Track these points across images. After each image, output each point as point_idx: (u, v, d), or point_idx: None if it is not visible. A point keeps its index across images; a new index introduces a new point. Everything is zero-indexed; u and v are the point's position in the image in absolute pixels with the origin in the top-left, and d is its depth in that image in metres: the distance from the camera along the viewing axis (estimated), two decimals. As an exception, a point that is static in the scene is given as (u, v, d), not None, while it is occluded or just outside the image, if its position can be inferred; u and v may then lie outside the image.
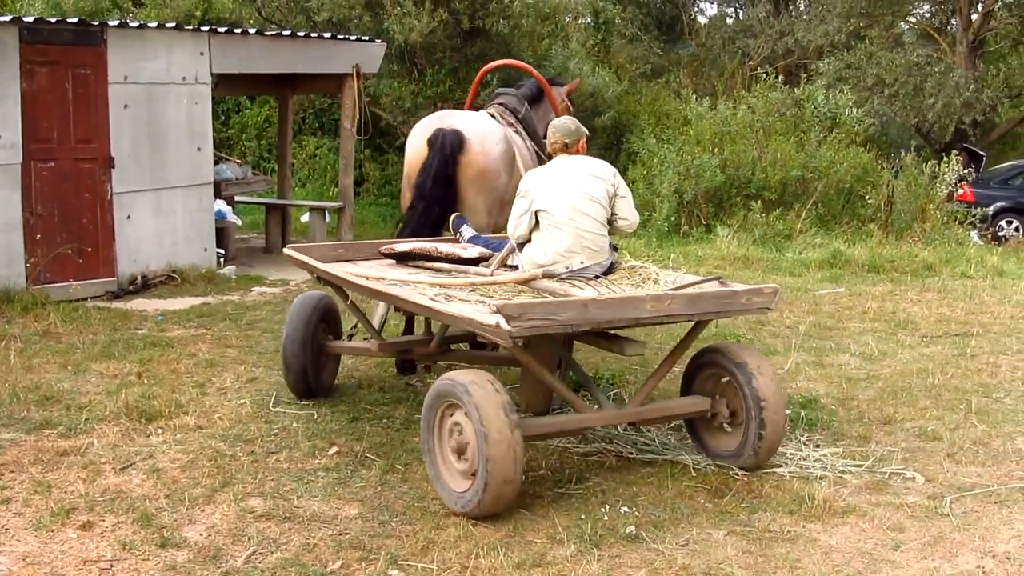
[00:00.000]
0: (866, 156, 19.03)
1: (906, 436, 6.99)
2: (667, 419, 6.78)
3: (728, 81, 27.99)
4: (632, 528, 5.37)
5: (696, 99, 20.74)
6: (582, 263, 6.74)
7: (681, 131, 19.38)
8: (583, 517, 5.52)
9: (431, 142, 8.29)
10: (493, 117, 9.02)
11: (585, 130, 7.23)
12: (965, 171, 20.86)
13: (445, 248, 7.49)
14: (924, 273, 13.20)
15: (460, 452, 5.65)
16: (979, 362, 8.94)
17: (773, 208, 16.51)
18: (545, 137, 7.63)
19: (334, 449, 6.52)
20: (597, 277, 6.79)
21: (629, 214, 6.97)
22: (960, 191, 20.24)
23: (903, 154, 20.08)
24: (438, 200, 8.18)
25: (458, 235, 7.90)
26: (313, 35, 14.14)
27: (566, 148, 7.00)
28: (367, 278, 6.93)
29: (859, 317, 10.67)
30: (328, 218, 14.65)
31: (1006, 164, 25.81)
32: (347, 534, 5.29)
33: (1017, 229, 22.56)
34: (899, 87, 25.77)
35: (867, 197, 17.12)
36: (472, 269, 7.20)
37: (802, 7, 33.31)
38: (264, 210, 15.17)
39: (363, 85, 14.65)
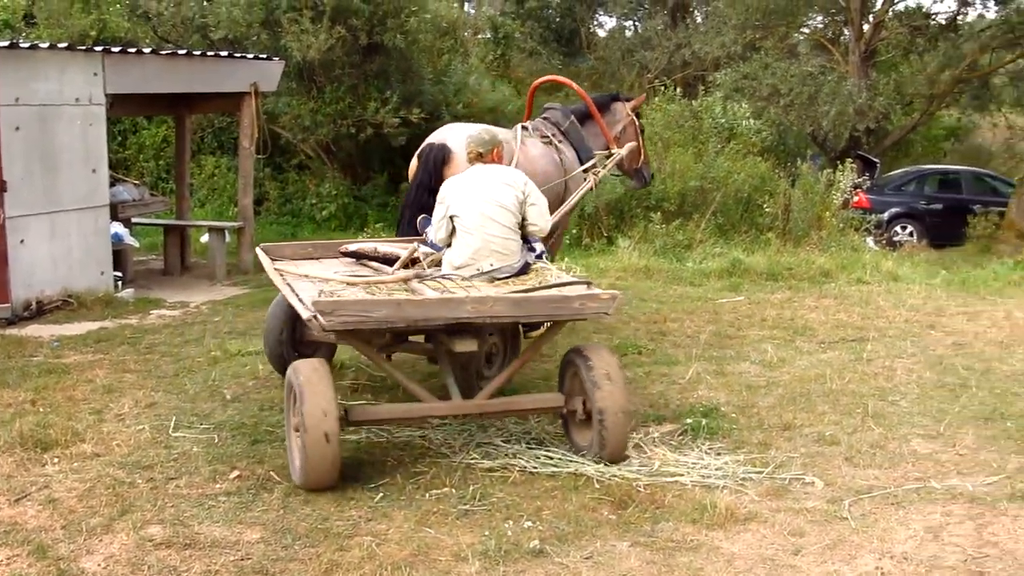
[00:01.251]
0: (763, 165, 19.29)
1: (805, 441, 7.10)
2: (516, 413, 7.24)
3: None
4: (536, 543, 5.39)
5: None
6: (492, 265, 7.19)
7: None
8: (487, 533, 5.53)
9: (420, 156, 9.15)
10: (525, 129, 9.95)
11: (501, 139, 7.82)
12: (860, 178, 21.24)
13: (384, 248, 7.98)
14: (821, 279, 13.40)
15: (297, 429, 6.18)
16: (875, 366, 9.09)
17: (673, 219, 16.63)
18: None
19: (235, 473, 6.45)
20: (507, 278, 7.18)
21: (539, 220, 7.39)
22: (855, 198, 20.58)
23: (800, 163, 20.39)
24: (423, 208, 8.54)
25: (424, 234, 8.13)
26: (210, 54, 14.02)
27: (480, 157, 7.52)
28: (301, 276, 7.53)
29: (758, 325, 10.80)
30: (228, 238, 14.49)
31: (900, 170, 26.39)
32: (249, 559, 5.24)
33: (911, 234, 23.04)
34: (794, 97, 26.19)
35: (765, 206, 17.33)
36: (387, 268, 7.59)
37: (699, 19, 33.71)
38: (162, 231, 14.97)
39: (261, 103, 14.53)
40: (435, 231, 7.54)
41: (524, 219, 7.36)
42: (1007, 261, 16.45)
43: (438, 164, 8.91)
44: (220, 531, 5.58)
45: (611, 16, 36.98)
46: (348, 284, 7.05)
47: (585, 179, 9.99)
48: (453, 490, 6.18)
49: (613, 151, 10.52)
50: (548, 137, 10.11)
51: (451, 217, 7.33)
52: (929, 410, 7.81)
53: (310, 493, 6.09)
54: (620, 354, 9.29)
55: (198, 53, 13.71)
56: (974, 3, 30.97)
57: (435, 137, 9.27)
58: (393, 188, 19.64)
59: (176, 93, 13.88)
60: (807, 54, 29.81)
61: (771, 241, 16.04)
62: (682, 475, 6.41)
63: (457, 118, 19.35)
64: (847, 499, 6.05)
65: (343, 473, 6.26)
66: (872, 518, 5.80)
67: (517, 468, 6.53)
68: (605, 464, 6.55)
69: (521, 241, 7.39)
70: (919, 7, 31.56)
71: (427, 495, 6.09)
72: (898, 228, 23.28)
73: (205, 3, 19.59)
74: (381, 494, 6.11)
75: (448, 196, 7.40)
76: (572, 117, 10.42)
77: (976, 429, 7.34)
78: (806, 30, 32.43)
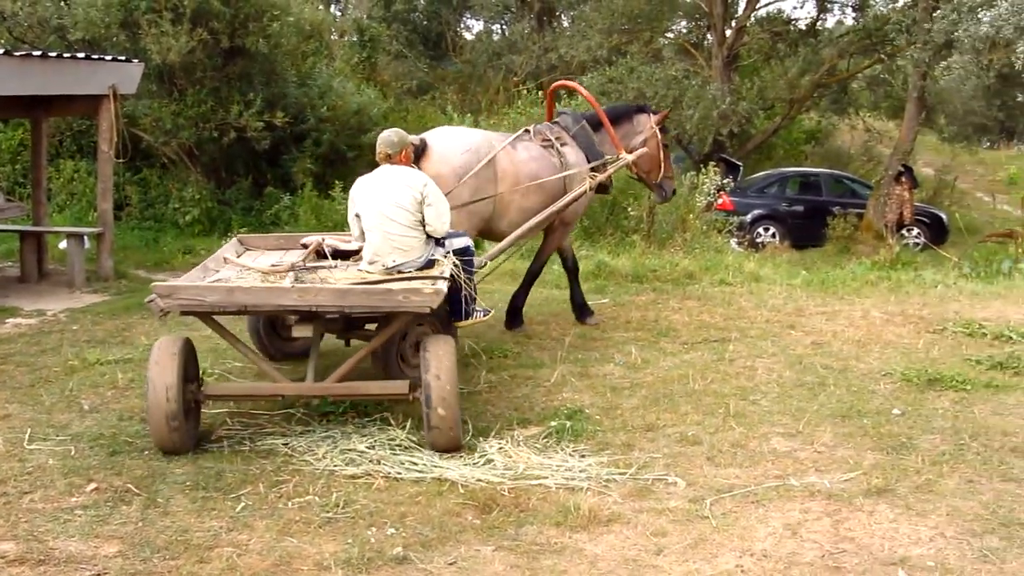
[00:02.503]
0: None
1: (668, 442, 7.17)
2: (362, 397, 7.56)
3: (493, 97, 28.30)
4: (400, 549, 5.36)
5: (462, 115, 20.87)
6: (395, 261, 7.67)
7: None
8: (350, 541, 5.48)
9: None
10: (527, 132, 10.37)
11: (410, 140, 8.21)
12: (723, 181, 21.61)
13: (331, 241, 8.46)
14: (685, 281, 13.57)
15: None
16: (737, 366, 9.23)
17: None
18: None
19: (92, 486, 6.28)
20: (411, 273, 7.62)
21: (434, 221, 7.74)
22: (719, 200, 20.92)
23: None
24: None
25: None
26: (67, 55, 13.67)
27: (389, 158, 7.89)
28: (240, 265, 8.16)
29: (623, 327, 10.88)
30: (88, 244, 14.16)
31: (762, 173, 26.91)
32: (106, 574, 5.11)
33: (774, 236, 23.50)
34: (659, 100, 26.48)
35: (630, 209, 17.48)
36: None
37: (565, 23, 33.93)
38: (18, 238, 14.56)
39: (121, 106, 14.22)
40: (351, 227, 8.08)
41: (424, 219, 7.72)
42: (865, 261, 16.86)
43: (416, 158, 9.11)
44: (76, 546, 5.44)
45: (478, 20, 37.10)
46: (264, 273, 7.70)
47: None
48: (316, 498, 6.11)
49: (619, 156, 10.69)
50: (550, 140, 10.37)
51: (356, 215, 7.88)
52: (789, 409, 7.94)
53: (169, 505, 5.97)
54: (487, 356, 9.34)
55: (54, 54, 13.33)
56: (833, 9, 31.74)
57: (421, 135, 9.68)
58: (257, 192, 19.39)
59: (32, 95, 13.51)
60: (672, 58, 30.23)
61: (636, 243, 16.19)
62: (546, 478, 6.43)
63: (322, 121, 19.25)
64: (708, 498, 6.12)
65: (202, 484, 6.18)
66: (733, 516, 5.88)
67: (381, 474, 6.49)
68: (471, 468, 6.57)
69: (425, 238, 7.78)
70: (780, 13, 32.24)
71: (289, 504, 6.01)
72: (760, 230, 23.74)
73: (62, 4, 19.12)
74: (243, 504, 6.01)
75: (355, 196, 7.92)
76: (583, 122, 10.73)
77: (834, 427, 7.49)
78: (670, 35, 32.89)
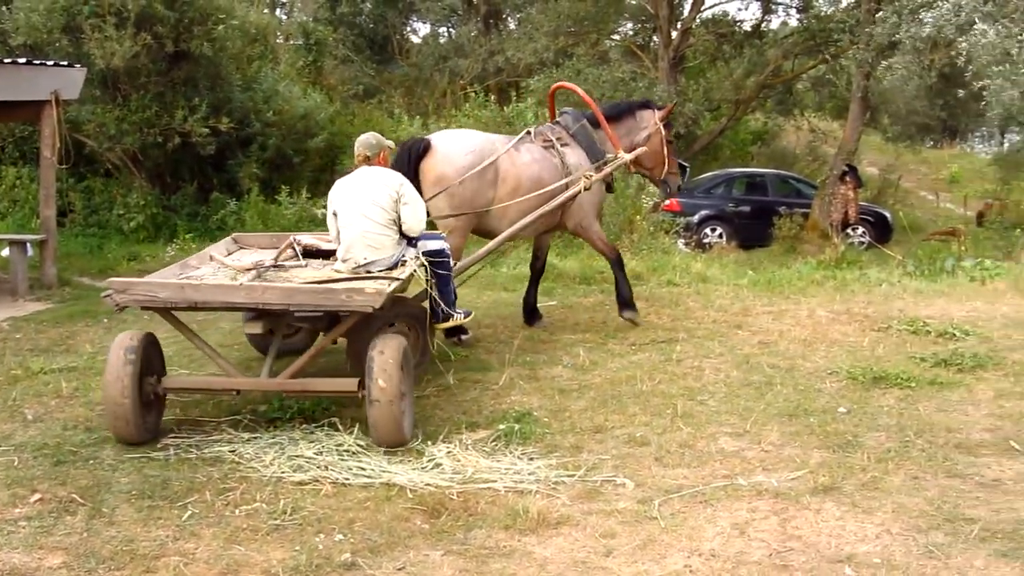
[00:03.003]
0: (575, 170, 19.49)
1: (616, 443, 7.19)
2: (313, 394, 7.70)
3: (440, 100, 28.28)
4: (348, 555, 5.34)
5: (409, 119, 20.83)
6: (366, 258, 7.92)
7: (394, 152, 19.35)
8: (298, 548, 5.44)
9: (401, 147, 10.00)
10: (529, 134, 10.53)
11: (388, 143, 8.38)
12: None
13: (307, 240, 8.79)
14: (633, 282, 13.56)
15: None
16: (684, 367, 9.26)
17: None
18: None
19: (36, 496, 6.20)
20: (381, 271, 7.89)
21: (410, 219, 8.03)
22: (666, 201, 20.98)
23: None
24: None
25: None
26: (8, 61, 13.51)
27: (367, 160, 8.18)
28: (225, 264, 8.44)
29: (571, 329, 10.90)
30: (31, 251, 14.00)
31: (709, 174, 27.05)
32: (51, 585, 5.06)
33: (720, 236, 23.63)
34: (606, 102, 26.55)
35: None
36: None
37: (512, 26, 33.96)
38: (-40, 246, 14.38)
39: (64, 112, 14.08)
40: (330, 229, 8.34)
41: (400, 217, 8.01)
42: (810, 261, 16.99)
43: (414, 156, 9.72)
44: (20, 557, 5.36)
45: (424, 23, 37.05)
46: (238, 271, 8.05)
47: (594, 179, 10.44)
48: (264, 505, 6.06)
49: (618, 155, 10.69)
50: (551, 141, 10.53)
51: (334, 214, 8.15)
52: (736, 408, 7.98)
53: (115, 514, 5.91)
54: (441, 359, 9.32)
55: (-6, 60, 13.18)
56: (777, 11, 31.98)
57: (424, 135, 10.18)
58: (203, 198, 19.28)
59: (-28, 102, 13.35)
60: (618, 60, 30.30)
61: (584, 245, 16.19)
62: (495, 481, 6.42)
63: (268, 126, 19.17)
64: (657, 499, 6.13)
65: (148, 493, 6.14)
66: (681, 517, 5.90)
67: (329, 480, 6.45)
68: (419, 472, 6.56)
69: (398, 237, 8.05)
70: (725, 15, 32.44)
71: (237, 511, 5.97)
72: (708, 230, 23.88)
73: (3, 8, 18.89)
74: (189, 512, 5.96)
75: (333, 196, 8.22)
76: (583, 121, 10.81)
77: (781, 426, 7.53)
78: (617, 37, 32.98)
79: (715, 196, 24.80)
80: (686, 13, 30.48)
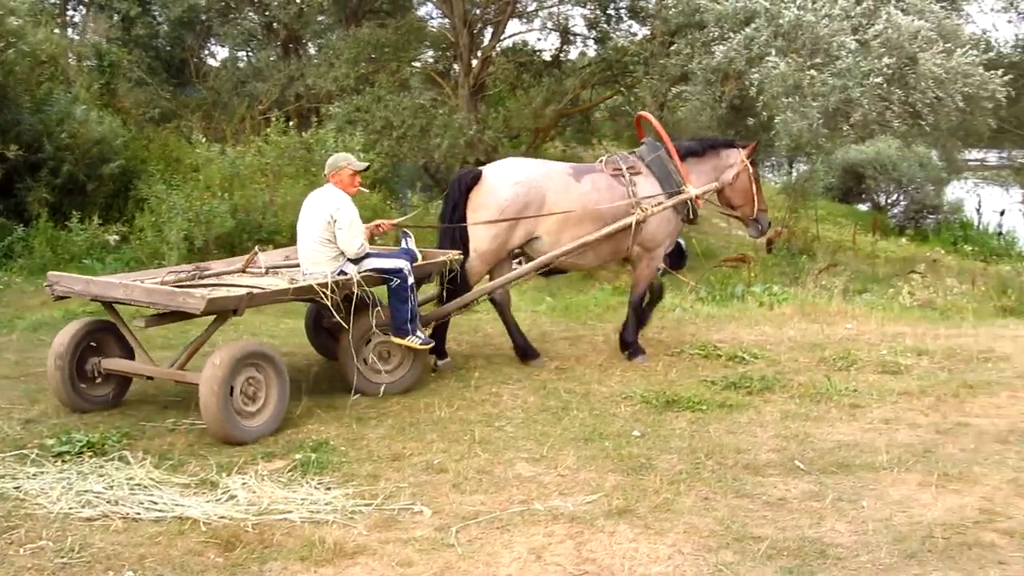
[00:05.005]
0: (375, 197, 19.44)
1: (414, 471, 7.18)
2: (189, 383, 8.13)
3: (239, 125, 27.86)
4: (137, 592, 5.19)
5: (206, 144, 20.47)
6: (307, 271, 9.03)
7: (191, 177, 19.01)
8: (84, 586, 5.27)
9: (454, 177, 10.90)
10: (601, 162, 10.96)
11: (344, 163, 9.07)
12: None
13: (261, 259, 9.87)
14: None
15: None
16: (483, 393, 9.31)
17: (285, 251, 16.50)
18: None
19: None
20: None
21: (343, 243, 8.86)
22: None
23: (410, 194, 20.71)
24: (450, 222, 10.22)
25: (403, 242, 9.83)
26: None
27: (327, 178, 9.12)
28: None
29: (370, 356, 10.83)
30: None
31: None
32: None
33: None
34: (406, 129, 26.57)
35: (377, 239, 17.40)
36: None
37: (312, 52, 33.71)
38: None
39: None
40: None
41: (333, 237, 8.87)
42: (606, 287, 17.22)
43: (463, 185, 10.24)
44: None
45: (223, 46, 36.44)
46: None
47: (680, 209, 10.92)
48: (50, 543, 5.86)
49: (685, 189, 10.79)
50: (620, 170, 10.74)
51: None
52: (533, 434, 8.06)
53: None
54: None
55: None
56: (576, 42, 32.48)
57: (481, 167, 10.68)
58: (-9, 225, 18.54)
59: None
60: (419, 87, 30.38)
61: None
62: (291, 512, 6.34)
63: (60, 150, 18.53)
64: (454, 526, 6.15)
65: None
66: (479, 543, 5.92)
67: (119, 515, 6.28)
68: (213, 504, 6.44)
69: (335, 254, 8.91)
70: (525, 44, 32.80)
71: (21, 550, 5.75)
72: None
73: None
74: (-31, 552, 5.72)
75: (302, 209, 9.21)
76: (660, 152, 10.93)
77: (577, 450, 7.63)
78: (418, 64, 33.04)
79: (516, 223, 24.97)
80: (486, 42, 30.72)
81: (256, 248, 9.91)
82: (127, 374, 8.78)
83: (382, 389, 9.16)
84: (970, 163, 37.41)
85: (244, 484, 6.77)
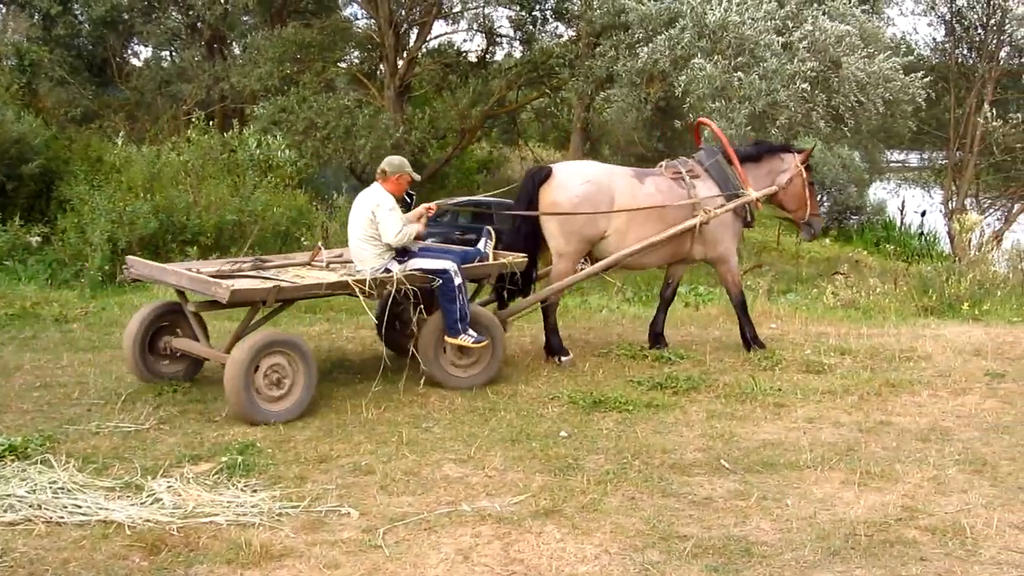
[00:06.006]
0: (302, 198, 19.35)
1: (341, 472, 7.14)
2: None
3: (163, 126, 27.60)
4: (60, 598, 5.12)
5: (129, 144, 20.25)
6: (356, 267, 9.55)
7: (114, 177, 18.78)
8: (6, 592, 5.20)
9: (527, 173, 11.16)
10: (660, 166, 11.40)
11: (396, 167, 9.48)
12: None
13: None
14: (359, 311, 13.49)
15: None
16: (410, 394, 9.28)
17: (210, 253, 16.34)
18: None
19: None
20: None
21: (382, 231, 9.28)
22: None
23: (336, 195, 20.62)
24: (522, 219, 10.67)
25: (482, 240, 10.28)
26: None
27: (377, 176, 9.57)
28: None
29: (297, 358, 10.77)
30: None
31: (436, 201, 27.17)
32: None
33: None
34: (331, 130, 26.49)
35: (303, 239, 17.38)
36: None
37: (237, 52, 33.47)
38: None
39: None
40: None
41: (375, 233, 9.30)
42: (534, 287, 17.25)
43: (536, 182, 10.66)
44: None
45: (146, 46, 36.06)
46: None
47: (736, 212, 11.24)
48: (-31, 551, 5.76)
49: (744, 192, 11.15)
50: (680, 173, 11.13)
51: None
52: (460, 435, 8.05)
53: None
54: (156, 394, 9.06)
55: None
56: (502, 43, 32.59)
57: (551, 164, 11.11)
58: None
59: None
60: (344, 88, 30.30)
61: (304, 274, 16.08)
62: (217, 515, 6.27)
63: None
64: (382, 527, 6.12)
65: None
66: (406, 545, 5.90)
67: (42, 519, 6.17)
68: (138, 508, 6.35)
69: (379, 251, 9.34)
70: (451, 45, 32.84)
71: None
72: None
73: None
74: None
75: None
76: (718, 156, 11.34)
77: (504, 451, 7.63)
78: (343, 65, 32.94)
79: (442, 224, 24.92)
80: (412, 43, 30.73)
81: (319, 244, 10.56)
82: (187, 353, 9.42)
83: (462, 383, 9.57)
84: (892, 165, 37.96)
85: (170, 487, 6.70)
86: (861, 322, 13.95)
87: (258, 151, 20.05)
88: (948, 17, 26.76)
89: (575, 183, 10.56)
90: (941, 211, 31.78)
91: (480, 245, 10.18)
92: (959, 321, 14.20)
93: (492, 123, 33.22)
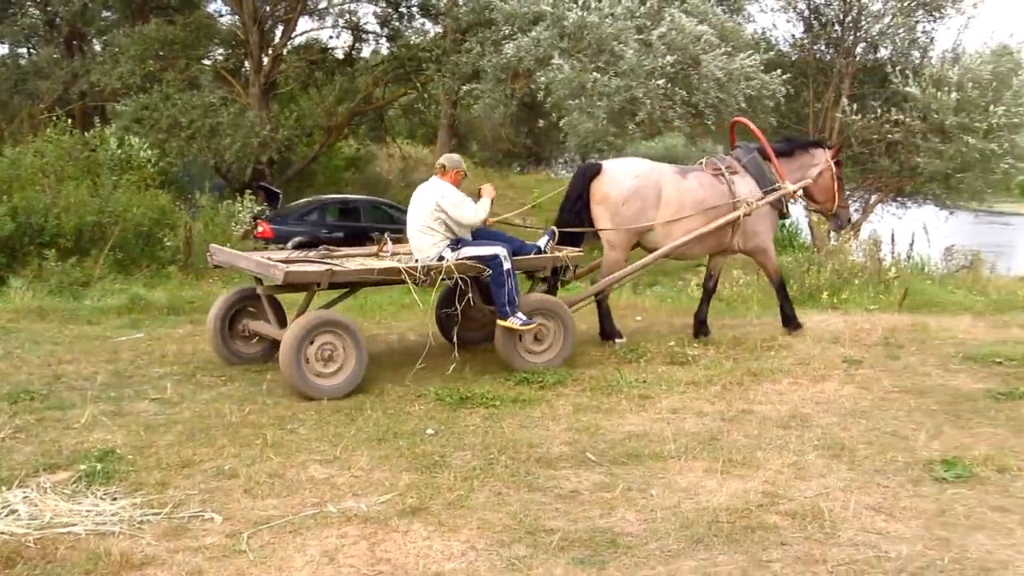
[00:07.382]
0: (164, 198, 19.04)
1: (205, 477, 7.03)
2: None
3: (19, 125, 26.93)
4: (-93, 615, 4.96)
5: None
6: (414, 256, 10.08)
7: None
8: None
9: (578, 169, 11.90)
10: (701, 163, 12.08)
11: (454, 163, 10.26)
12: (261, 208, 21.51)
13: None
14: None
15: None
16: (275, 395, 9.21)
17: (69, 255, 16.01)
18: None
19: None
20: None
21: (460, 218, 9.96)
22: (259, 228, 20.82)
23: (199, 194, 20.34)
24: (570, 212, 11.37)
25: (544, 237, 11.03)
26: None
27: (436, 171, 10.29)
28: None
29: (159, 362, 10.61)
30: None
31: (303, 200, 26.97)
32: None
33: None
34: (196, 128, 26.11)
35: (166, 239, 17.12)
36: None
37: (97, 49, 32.78)
38: None
39: None
40: None
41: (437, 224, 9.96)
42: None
43: (588, 176, 11.37)
44: None
45: (2, 43, 35.14)
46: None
47: (771, 206, 11.86)
48: None
49: (782, 185, 11.81)
50: (720, 169, 11.76)
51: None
52: (326, 435, 7.98)
53: None
54: (11, 401, 8.83)
55: None
56: (368, 40, 32.41)
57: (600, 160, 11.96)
58: None
59: None
60: (208, 86, 29.86)
61: (173, 275, 15.86)
62: (75, 525, 6.12)
63: None
64: (246, 532, 6.03)
65: None
66: (271, 548, 5.83)
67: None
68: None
69: (435, 240, 9.95)
70: (316, 41, 32.57)
71: None
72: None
73: None
74: None
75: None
76: (755, 153, 12.02)
77: (370, 450, 7.59)
78: (207, 62, 32.47)
79: (308, 223, 24.68)
80: (277, 39, 30.42)
81: (386, 235, 11.19)
82: (260, 334, 10.40)
83: (539, 365, 10.22)
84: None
85: (25, 498, 6.52)
86: (724, 313, 14.20)
87: (119, 150, 19.66)
88: (806, 14, 27.27)
89: (626, 178, 11.25)
90: (802, 203, 32.40)
91: (541, 243, 10.83)
92: (819, 310, 14.53)
93: (359, 120, 33.05)
